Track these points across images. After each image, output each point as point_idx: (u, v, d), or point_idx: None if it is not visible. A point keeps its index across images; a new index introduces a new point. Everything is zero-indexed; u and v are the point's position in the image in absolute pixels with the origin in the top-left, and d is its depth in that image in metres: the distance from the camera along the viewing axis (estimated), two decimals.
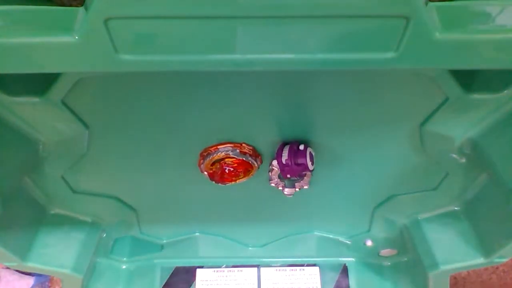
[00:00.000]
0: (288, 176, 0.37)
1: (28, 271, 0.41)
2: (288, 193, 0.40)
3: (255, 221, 0.47)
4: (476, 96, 0.31)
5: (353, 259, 0.49)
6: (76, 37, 0.22)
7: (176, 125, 0.35)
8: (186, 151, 0.38)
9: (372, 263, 0.49)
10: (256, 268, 0.49)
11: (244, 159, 0.37)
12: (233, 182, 0.40)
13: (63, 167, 0.38)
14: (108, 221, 0.45)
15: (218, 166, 0.38)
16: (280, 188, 0.40)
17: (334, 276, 0.49)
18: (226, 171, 0.38)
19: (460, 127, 0.34)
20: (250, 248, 0.49)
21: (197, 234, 0.48)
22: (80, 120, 0.34)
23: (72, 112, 0.33)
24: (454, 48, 0.23)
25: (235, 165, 0.38)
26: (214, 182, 0.39)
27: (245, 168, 0.39)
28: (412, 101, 0.33)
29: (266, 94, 0.33)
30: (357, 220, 0.46)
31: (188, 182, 0.41)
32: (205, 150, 0.38)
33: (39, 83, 0.31)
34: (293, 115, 0.35)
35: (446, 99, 0.32)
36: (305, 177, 0.39)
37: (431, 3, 0.22)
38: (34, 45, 0.22)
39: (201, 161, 0.38)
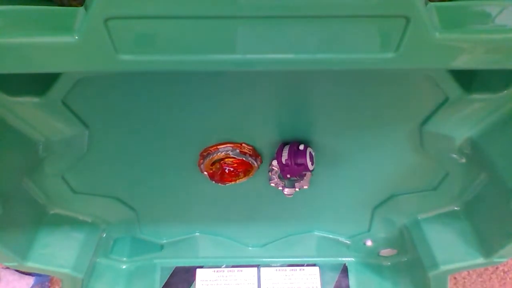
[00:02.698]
0: (288, 176, 0.37)
1: (28, 271, 0.41)
2: (288, 193, 0.40)
3: (255, 221, 0.47)
4: (476, 96, 0.31)
5: (353, 259, 0.49)
6: (76, 37, 0.22)
7: (176, 125, 0.35)
8: (186, 151, 0.38)
9: (372, 263, 0.49)
10: (256, 268, 0.49)
11: (244, 159, 0.37)
12: (233, 182, 0.40)
13: (63, 167, 0.38)
14: (108, 221, 0.45)
15: (218, 166, 0.38)
16: (280, 188, 0.40)
17: (334, 276, 0.49)
18: (226, 171, 0.38)
19: (460, 127, 0.34)
20: (250, 248, 0.49)
21: (197, 234, 0.48)
22: (80, 120, 0.34)
23: (72, 112, 0.33)
24: (454, 48, 0.23)
25: (235, 165, 0.38)
26: (214, 182, 0.39)
27: (245, 168, 0.39)
28: (412, 101, 0.33)
29: (266, 94, 0.33)
30: (357, 220, 0.46)
31: (188, 182, 0.41)
32: (205, 150, 0.38)
33: (39, 83, 0.31)
34: (293, 115, 0.35)
35: (446, 99, 0.32)
36: (305, 177, 0.39)
37: (431, 3, 0.22)
38: (34, 45, 0.22)
39: (201, 161, 0.38)
